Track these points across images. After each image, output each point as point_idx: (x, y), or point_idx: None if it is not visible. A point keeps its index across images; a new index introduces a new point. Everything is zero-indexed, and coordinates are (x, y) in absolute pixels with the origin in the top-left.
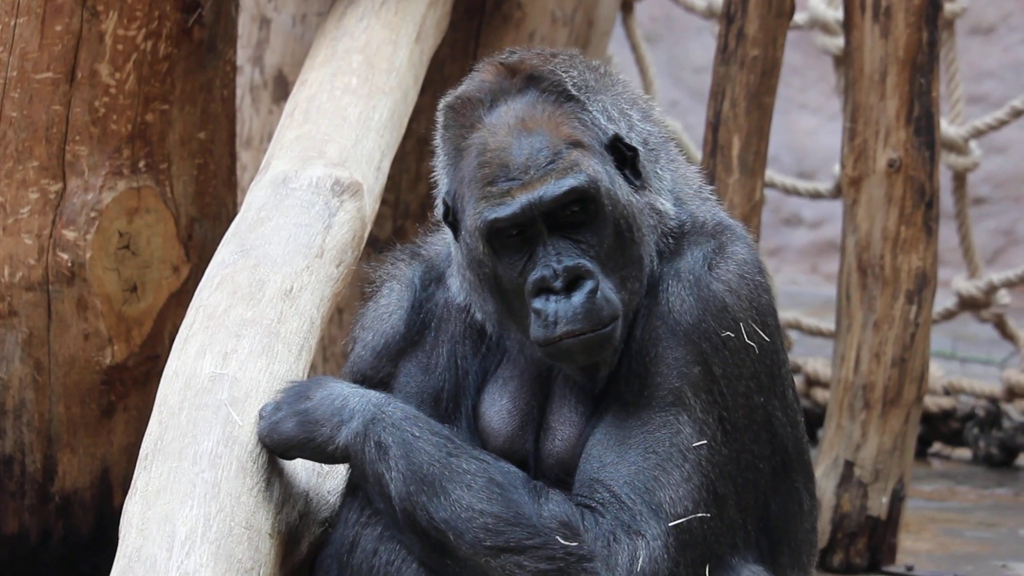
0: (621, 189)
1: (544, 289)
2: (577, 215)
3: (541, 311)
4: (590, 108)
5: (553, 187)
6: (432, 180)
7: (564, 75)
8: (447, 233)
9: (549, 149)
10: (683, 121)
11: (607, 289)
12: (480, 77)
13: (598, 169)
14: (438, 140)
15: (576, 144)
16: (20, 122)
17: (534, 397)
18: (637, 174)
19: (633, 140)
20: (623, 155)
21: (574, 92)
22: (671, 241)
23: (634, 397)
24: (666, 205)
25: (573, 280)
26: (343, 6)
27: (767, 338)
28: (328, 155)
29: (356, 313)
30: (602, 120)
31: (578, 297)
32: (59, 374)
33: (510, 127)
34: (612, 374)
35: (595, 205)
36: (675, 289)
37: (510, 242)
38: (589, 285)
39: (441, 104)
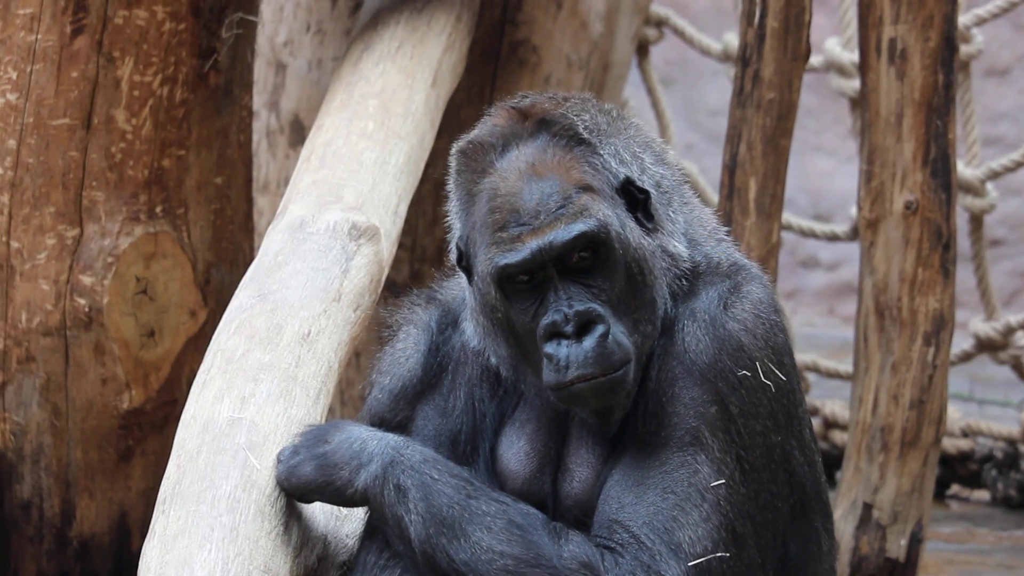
0: (632, 233)
1: (555, 334)
2: (587, 259)
3: (552, 356)
4: (601, 152)
5: (563, 232)
6: (447, 224)
7: (576, 119)
8: (462, 277)
9: (559, 194)
10: (699, 164)
11: (619, 333)
12: (492, 122)
13: (608, 213)
14: (451, 185)
15: (586, 188)
16: (37, 168)
17: (551, 439)
18: (649, 217)
19: (645, 183)
20: (635, 198)
21: (585, 136)
22: (685, 282)
23: (651, 437)
24: (678, 247)
25: (584, 324)
26: (359, 51)
27: (783, 377)
28: (345, 200)
29: (374, 357)
30: (613, 164)
31: (589, 341)
32: (77, 419)
33: (520, 172)
34: (629, 414)
35: (605, 249)
36: (691, 329)
37: (521, 287)
38: (600, 329)
39: (454, 149)
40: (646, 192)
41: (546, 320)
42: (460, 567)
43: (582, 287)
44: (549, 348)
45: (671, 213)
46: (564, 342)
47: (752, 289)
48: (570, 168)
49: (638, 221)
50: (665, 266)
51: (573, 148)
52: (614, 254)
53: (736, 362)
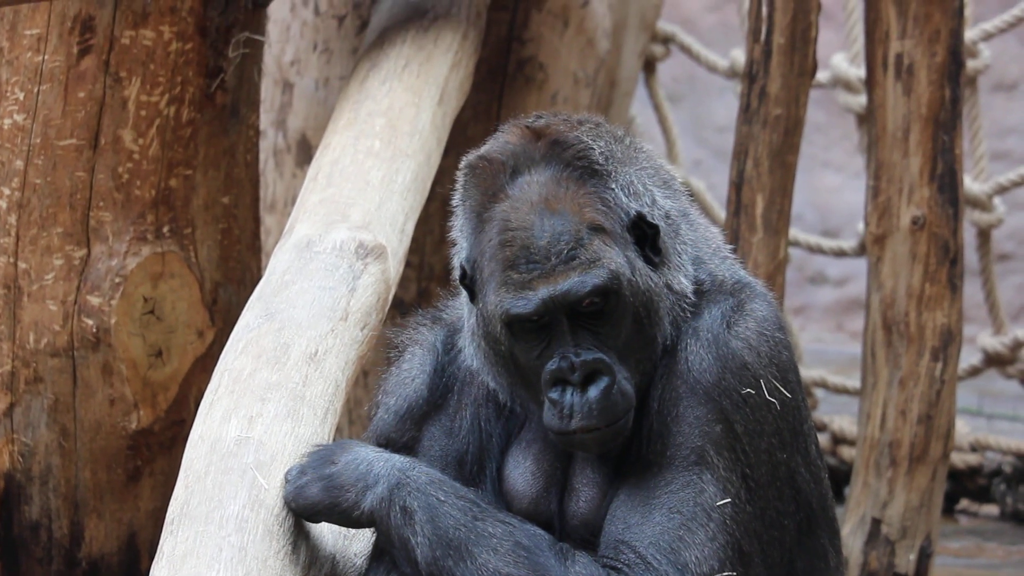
0: (640, 275)
1: (560, 380)
2: (597, 305)
3: (557, 402)
4: (613, 185)
5: (576, 285)
6: (452, 238)
7: (590, 143)
8: (464, 294)
9: (571, 235)
10: (707, 180)
11: (623, 380)
12: (504, 138)
13: (620, 261)
14: (457, 201)
15: (598, 229)
16: (44, 188)
17: (557, 459)
18: (657, 251)
19: (655, 216)
20: (644, 233)
21: (599, 166)
22: (689, 304)
23: (657, 457)
24: (684, 283)
25: (590, 374)
26: (365, 69)
27: (788, 394)
28: (352, 218)
29: (381, 376)
30: (624, 199)
31: (594, 392)
32: (85, 439)
33: (533, 204)
34: (633, 434)
35: (616, 297)
36: (694, 348)
37: (529, 326)
38: (605, 381)
39: (463, 163)
40: (655, 227)
41: (552, 366)
42: None
43: (589, 333)
44: (553, 394)
45: (677, 245)
46: (569, 389)
47: (756, 307)
48: (583, 205)
49: (646, 256)
50: (669, 304)
51: (586, 181)
52: (624, 301)
53: (740, 380)
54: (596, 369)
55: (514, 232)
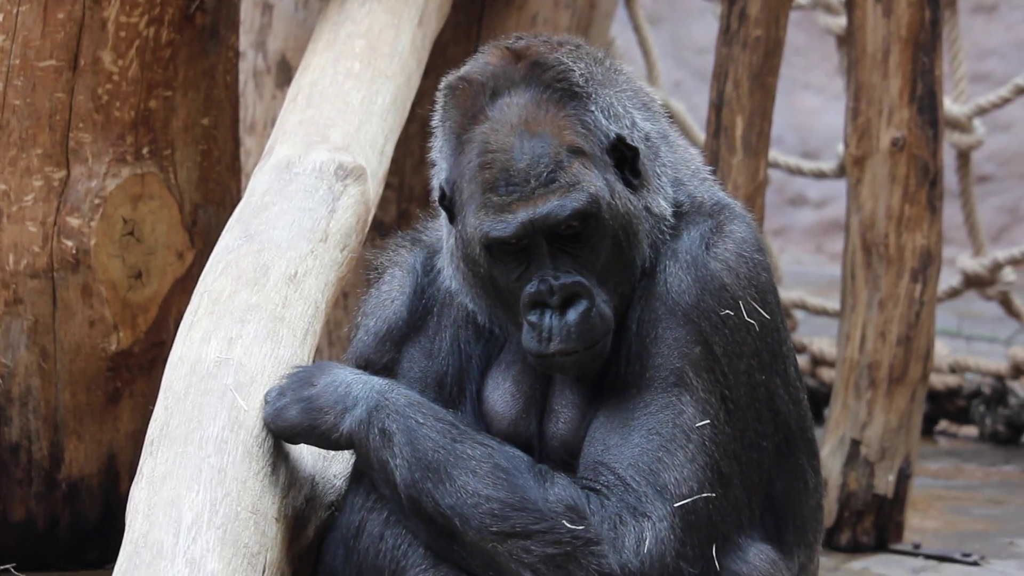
0: (620, 198)
1: (539, 303)
2: (576, 228)
3: (536, 325)
4: (592, 108)
5: (555, 208)
6: (432, 159)
7: (570, 65)
8: (443, 214)
9: (550, 157)
10: (687, 102)
11: (601, 303)
12: (484, 59)
13: (599, 184)
14: (437, 121)
15: (578, 152)
16: (23, 110)
17: (537, 380)
18: (636, 173)
19: (635, 138)
20: (623, 155)
21: (579, 88)
22: (668, 226)
23: (636, 379)
24: (663, 205)
25: (569, 297)
26: None
27: (767, 316)
28: (331, 140)
29: (361, 297)
30: (603, 121)
31: (573, 315)
32: (65, 361)
33: (513, 126)
34: (612, 356)
35: (595, 221)
36: (673, 270)
37: (508, 249)
38: (584, 304)
39: (443, 84)
40: (635, 150)
41: (531, 288)
42: (446, 511)
43: (569, 256)
44: (532, 317)
45: (657, 168)
46: (548, 312)
47: (735, 228)
48: (563, 128)
49: (625, 179)
50: (649, 227)
51: (566, 104)
52: (604, 224)
53: (719, 302)
54: (575, 292)
55: (494, 154)
